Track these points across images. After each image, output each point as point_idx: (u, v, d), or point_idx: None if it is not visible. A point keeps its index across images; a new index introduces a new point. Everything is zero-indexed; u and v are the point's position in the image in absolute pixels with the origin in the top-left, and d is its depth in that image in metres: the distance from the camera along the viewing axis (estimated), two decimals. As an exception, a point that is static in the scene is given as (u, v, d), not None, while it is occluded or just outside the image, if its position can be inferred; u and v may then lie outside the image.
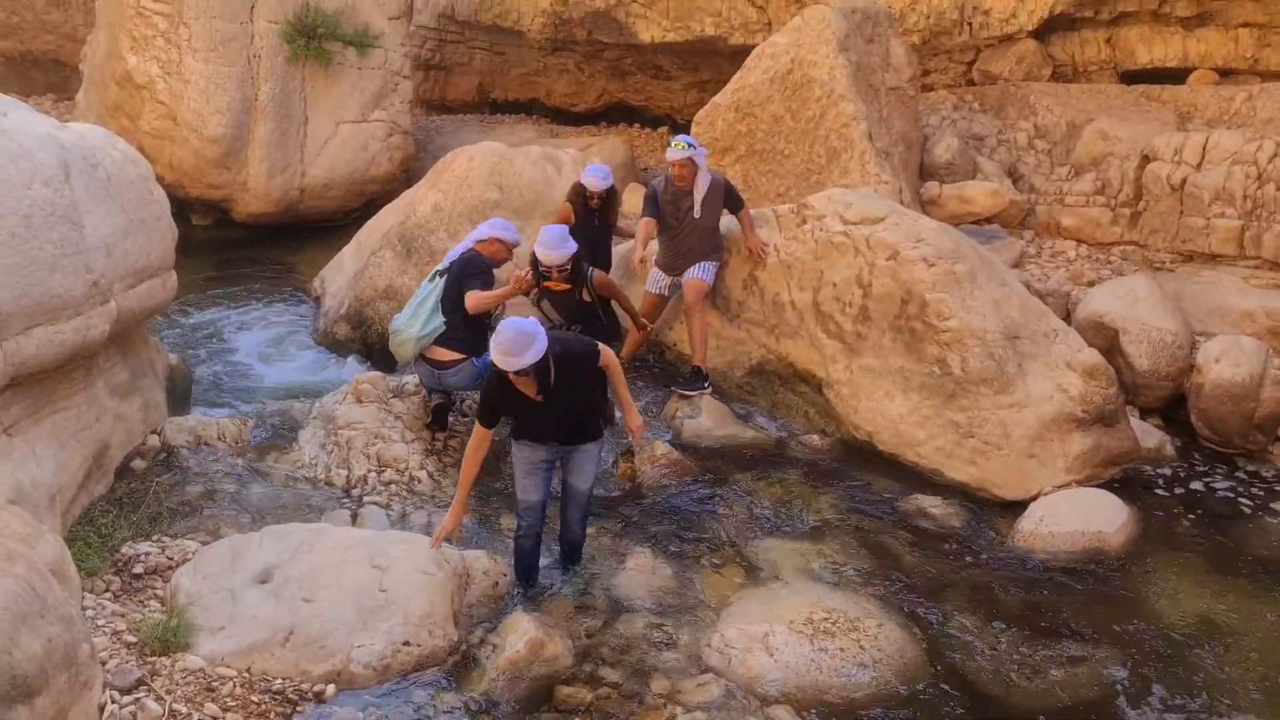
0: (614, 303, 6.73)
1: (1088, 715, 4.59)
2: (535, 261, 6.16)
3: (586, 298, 6.41)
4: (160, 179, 6.63)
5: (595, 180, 7.23)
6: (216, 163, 10.69)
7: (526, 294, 6.56)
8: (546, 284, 6.27)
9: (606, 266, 7.31)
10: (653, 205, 7.04)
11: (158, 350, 6.77)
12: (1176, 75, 10.31)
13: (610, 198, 7.35)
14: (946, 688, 4.70)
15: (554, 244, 6.06)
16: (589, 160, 9.60)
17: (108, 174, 5.70)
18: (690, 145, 6.88)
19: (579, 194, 7.27)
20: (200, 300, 9.48)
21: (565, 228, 6.23)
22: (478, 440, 4.90)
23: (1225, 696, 4.73)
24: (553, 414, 4.85)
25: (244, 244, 10.99)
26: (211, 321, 9.13)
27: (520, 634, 4.64)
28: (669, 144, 6.99)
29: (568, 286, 6.27)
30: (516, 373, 4.52)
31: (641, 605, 5.11)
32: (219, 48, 10.47)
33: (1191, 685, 4.79)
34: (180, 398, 6.88)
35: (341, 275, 9.10)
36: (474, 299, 6.13)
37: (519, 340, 4.46)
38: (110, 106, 10.88)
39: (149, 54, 10.47)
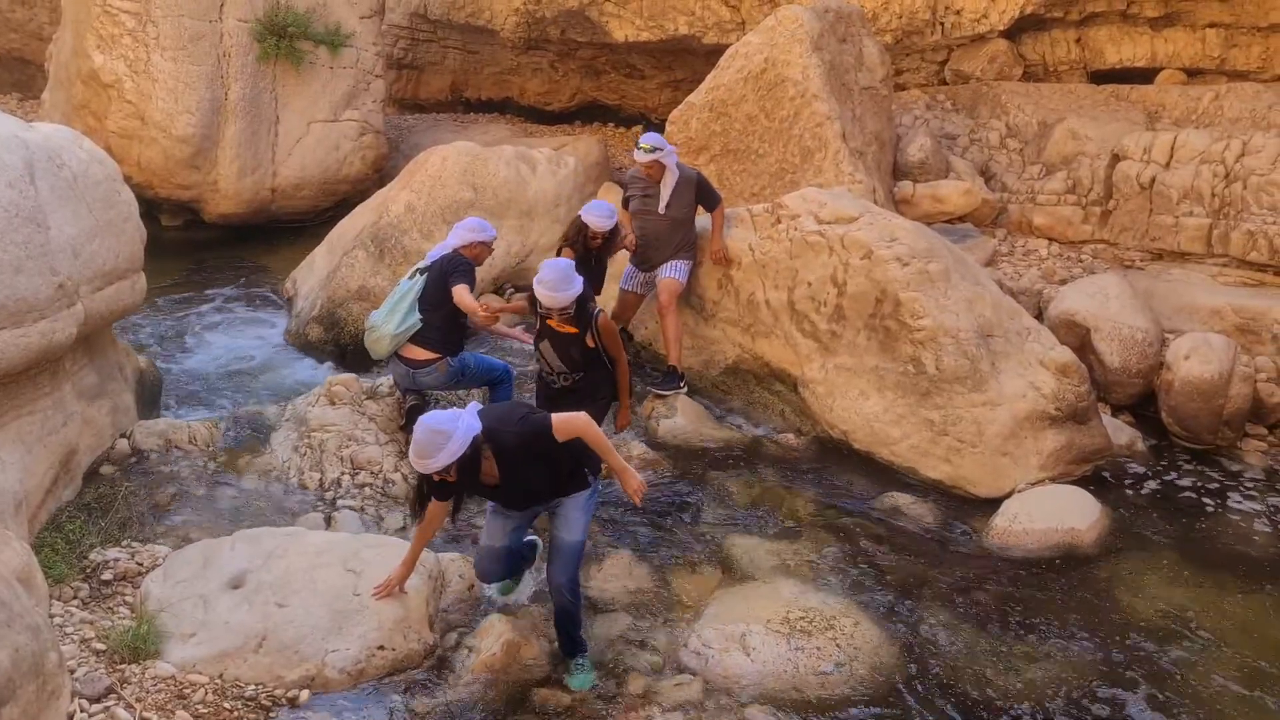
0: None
1: (1063, 710, 4.62)
2: (534, 299, 5.50)
3: (591, 343, 5.56)
4: (128, 179, 6.54)
5: (599, 219, 6.55)
6: (186, 163, 10.56)
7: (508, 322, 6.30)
8: (548, 322, 5.54)
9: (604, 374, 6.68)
10: (625, 196, 7.14)
11: (127, 353, 6.68)
12: (1145, 75, 10.42)
13: (612, 237, 6.70)
14: (922, 684, 4.72)
15: (557, 284, 5.28)
16: (563, 159, 9.59)
17: (74, 174, 5.61)
18: (656, 148, 6.89)
19: (579, 232, 6.60)
20: (170, 302, 9.37)
21: (570, 263, 5.49)
22: (432, 513, 4.46)
23: (1197, 690, 4.78)
24: (513, 493, 4.40)
25: (215, 245, 10.87)
26: (182, 324, 9.02)
27: (496, 636, 4.61)
28: (637, 144, 6.99)
29: (573, 330, 5.49)
30: (436, 474, 4.07)
31: (618, 606, 5.09)
32: (188, 46, 10.34)
33: (1164, 679, 4.84)
34: (150, 401, 6.79)
35: (313, 276, 9.01)
36: (461, 293, 5.98)
37: (430, 441, 3.98)
38: (76, 105, 10.73)
39: (116, 52, 10.33)
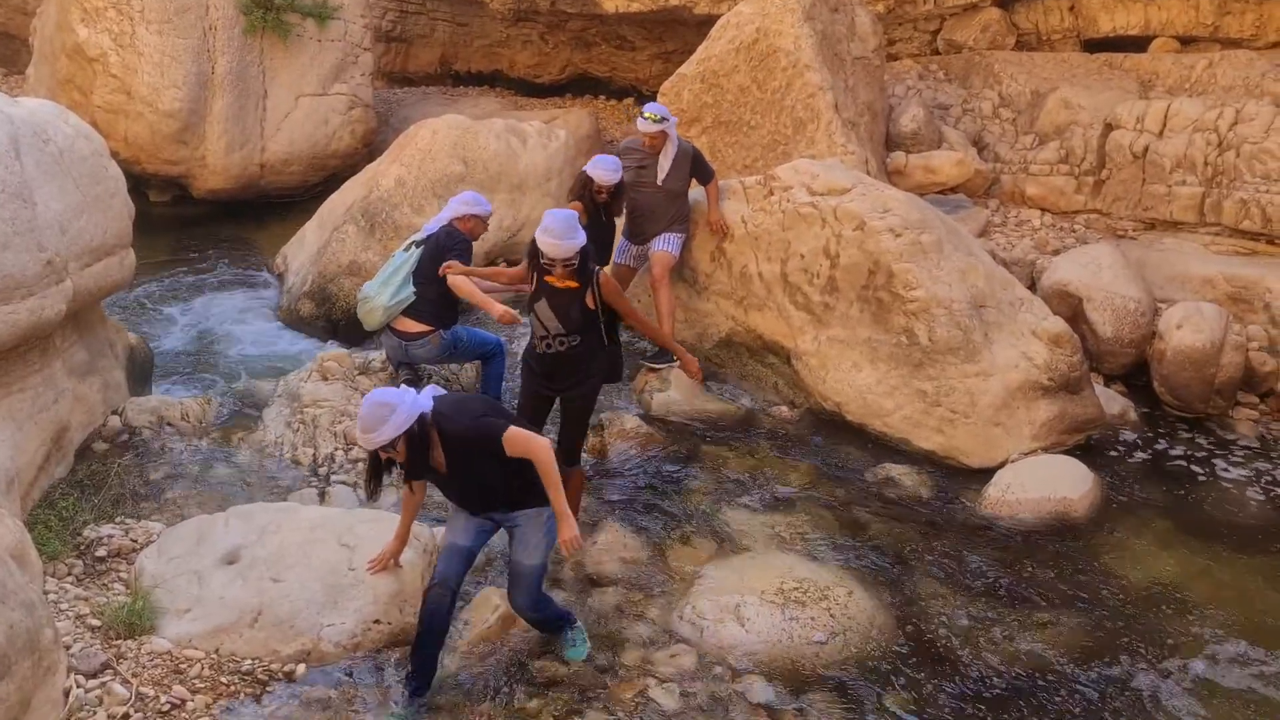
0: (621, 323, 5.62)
1: (1055, 677, 4.65)
2: (534, 252, 5.15)
3: (591, 303, 5.20)
4: (115, 155, 6.48)
5: (604, 173, 6.35)
6: (173, 138, 10.46)
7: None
8: (548, 278, 5.11)
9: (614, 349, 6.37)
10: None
11: (117, 330, 6.64)
12: (1138, 43, 10.36)
13: (619, 192, 6.54)
14: (917, 653, 4.75)
15: (563, 232, 4.96)
16: (554, 132, 9.53)
17: (60, 150, 5.56)
18: (663, 118, 6.83)
19: (585, 187, 6.43)
20: (160, 279, 9.31)
21: (574, 213, 5.21)
22: (411, 490, 4.41)
23: (1189, 657, 4.82)
24: (466, 488, 4.18)
25: (204, 221, 10.79)
26: (172, 300, 8.97)
27: (491, 609, 4.63)
28: (641, 114, 6.90)
29: (575, 284, 5.11)
30: (380, 449, 3.95)
31: (613, 578, 5.11)
32: (173, 19, 10.22)
33: (1157, 646, 4.88)
34: (141, 378, 6.76)
35: (304, 252, 8.97)
36: (457, 283, 5.94)
37: (374, 414, 3.87)
38: (61, 80, 10.61)
39: (100, 26, 10.21)
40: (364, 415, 3.90)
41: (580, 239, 5.02)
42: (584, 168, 6.52)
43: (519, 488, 4.16)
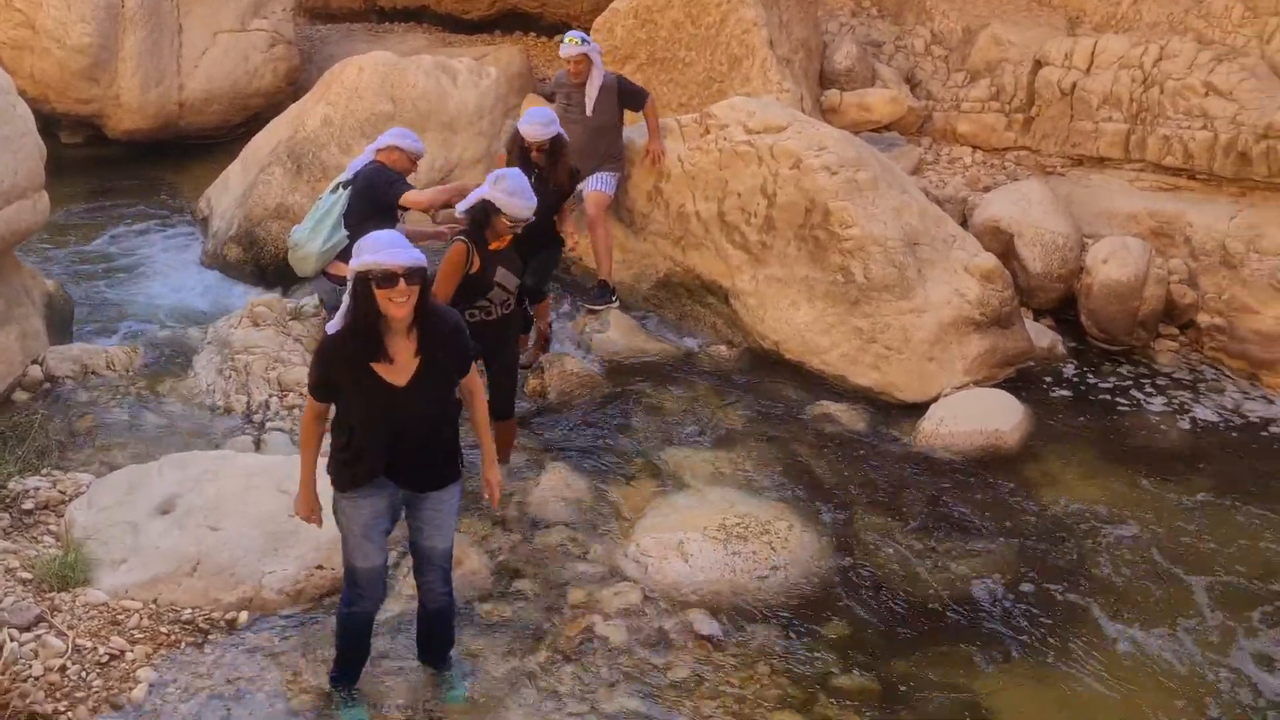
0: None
1: (990, 602, 4.81)
2: (478, 221, 4.79)
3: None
4: (21, 93, 6.17)
5: (532, 128, 5.76)
6: (83, 75, 9.99)
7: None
8: (492, 247, 4.81)
9: (555, 253, 6.21)
10: (553, 94, 6.92)
11: (33, 276, 6.40)
12: (1067, -20, 10.43)
13: (557, 149, 5.89)
14: (856, 584, 4.87)
15: (528, 190, 4.76)
16: (484, 69, 9.31)
17: (-37, 87, 5.28)
18: (584, 40, 6.70)
19: (517, 144, 5.90)
20: (76, 223, 8.96)
21: (525, 179, 4.86)
22: (311, 416, 3.60)
23: (1116, 578, 5.02)
24: (409, 418, 3.50)
25: (120, 163, 10.37)
26: (90, 246, 8.65)
27: (436, 553, 4.60)
28: (563, 40, 6.77)
29: (510, 238, 4.85)
30: (392, 280, 3.28)
31: (556, 519, 5.12)
32: (79, -50, 9.72)
33: (1084, 568, 5.07)
34: (61, 326, 6.53)
35: (228, 195, 8.69)
36: (411, 196, 5.63)
37: (396, 238, 3.40)
38: (-40, 15, 10.05)
39: (0, -43, 9.68)
40: (382, 238, 3.37)
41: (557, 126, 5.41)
42: (517, 123, 5.97)
43: (451, 434, 3.71)
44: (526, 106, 10.16)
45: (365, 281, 3.33)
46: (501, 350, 5.14)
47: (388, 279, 3.29)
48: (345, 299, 3.43)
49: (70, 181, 9.46)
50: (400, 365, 3.45)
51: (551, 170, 5.86)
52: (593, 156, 6.93)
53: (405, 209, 5.72)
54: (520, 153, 5.87)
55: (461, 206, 4.90)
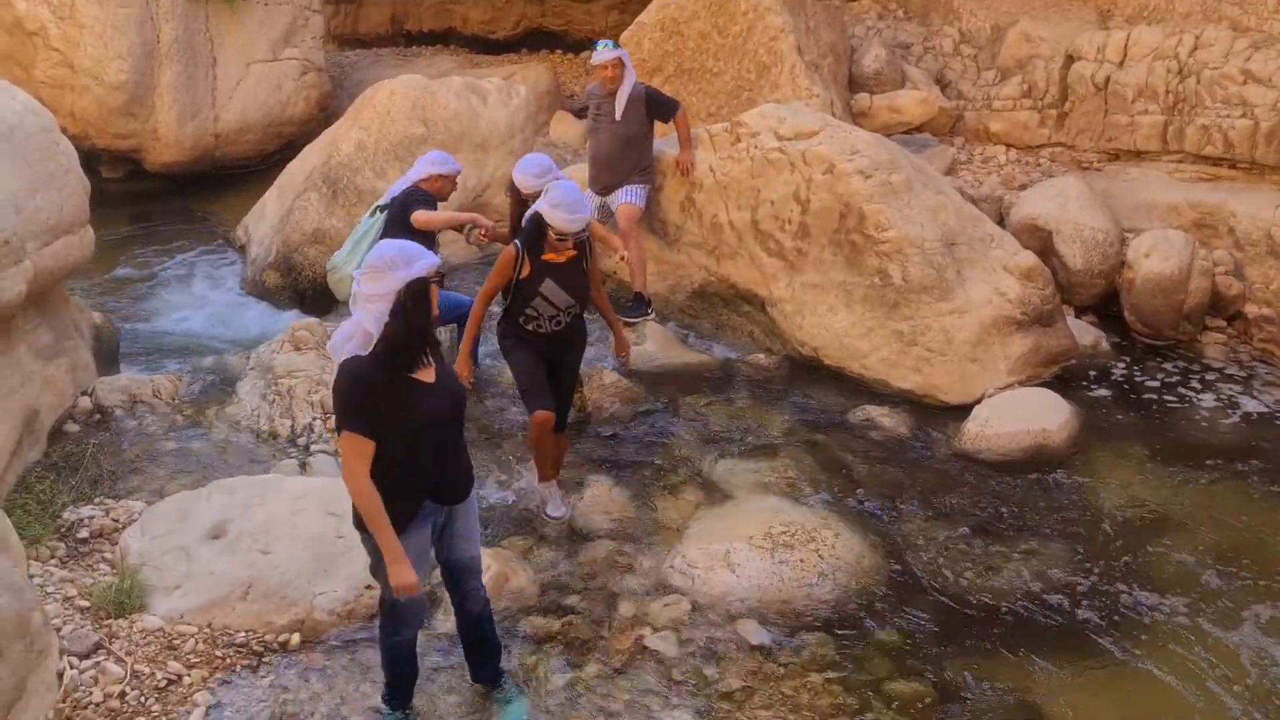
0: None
1: (1040, 605, 4.74)
2: (531, 232, 4.76)
3: (584, 266, 4.98)
4: (63, 131, 6.30)
5: (528, 179, 5.52)
6: (122, 111, 10.21)
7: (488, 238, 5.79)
8: (546, 257, 4.79)
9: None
10: (584, 107, 6.95)
11: (80, 309, 6.51)
12: (1095, -26, 10.33)
13: None
14: (904, 589, 4.81)
15: (573, 204, 4.65)
16: (514, 88, 9.38)
17: (8, 127, 5.41)
18: (616, 46, 6.76)
19: (515, 194, 5.68)
20: (120, 256, 9.13)
21: (575, 183, 4.84)
22: (363, 467, 3.33)
23: (1172, 577, 4.92)
24: (444, 411, 3.50)
25: (160, 195, 10.57)
26: (134, 277, 8.81)
27: (483, 569, 4.61)
28: (594, 50, 6.82)
29: (574, 252, 4.84)
30: (417, 285, 3.31)
31: (601, 533, 5.12)
32: (113, -12, 9.93)
33: (1135, 569, 4.97)
34: (109, 357, 6.64)
35: (265, 222, 8.82)
36: (421, 216, 5.82)
37: (410, 246, 3.44)
38: (1, 57, 10.30)
39: (38, -1, 9.91)
40: (398, 247, 3.40)
41: (590, 206, 4.84)
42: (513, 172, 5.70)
43: (466, 450, 3.72)
44: (556, 125, 10.26)
45: (423, 287, 3.34)
46: (558, 367, 5.09)
47: (438, 279, 3.42)
48: (368, 316, 3.32)
49: (112, 215, 9.65)
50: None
51: None
52: (622, 168, 6.95)
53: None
54: (519, 203, 5.66)
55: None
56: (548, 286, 4.86)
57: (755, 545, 4.88)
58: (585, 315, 5.21)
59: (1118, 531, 5.24)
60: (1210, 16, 8.32)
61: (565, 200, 4.67)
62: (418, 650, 3.85)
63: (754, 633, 4.46)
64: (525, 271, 4.84)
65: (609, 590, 4.73)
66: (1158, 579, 4.91)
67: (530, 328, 4.96)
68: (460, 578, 3.80)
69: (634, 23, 8.89)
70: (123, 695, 3.79)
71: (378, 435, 3.33)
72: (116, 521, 4.88)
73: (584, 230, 4.74)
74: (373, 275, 3.32)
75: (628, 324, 6.87)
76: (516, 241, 4.89)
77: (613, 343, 5.57)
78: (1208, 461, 5.87)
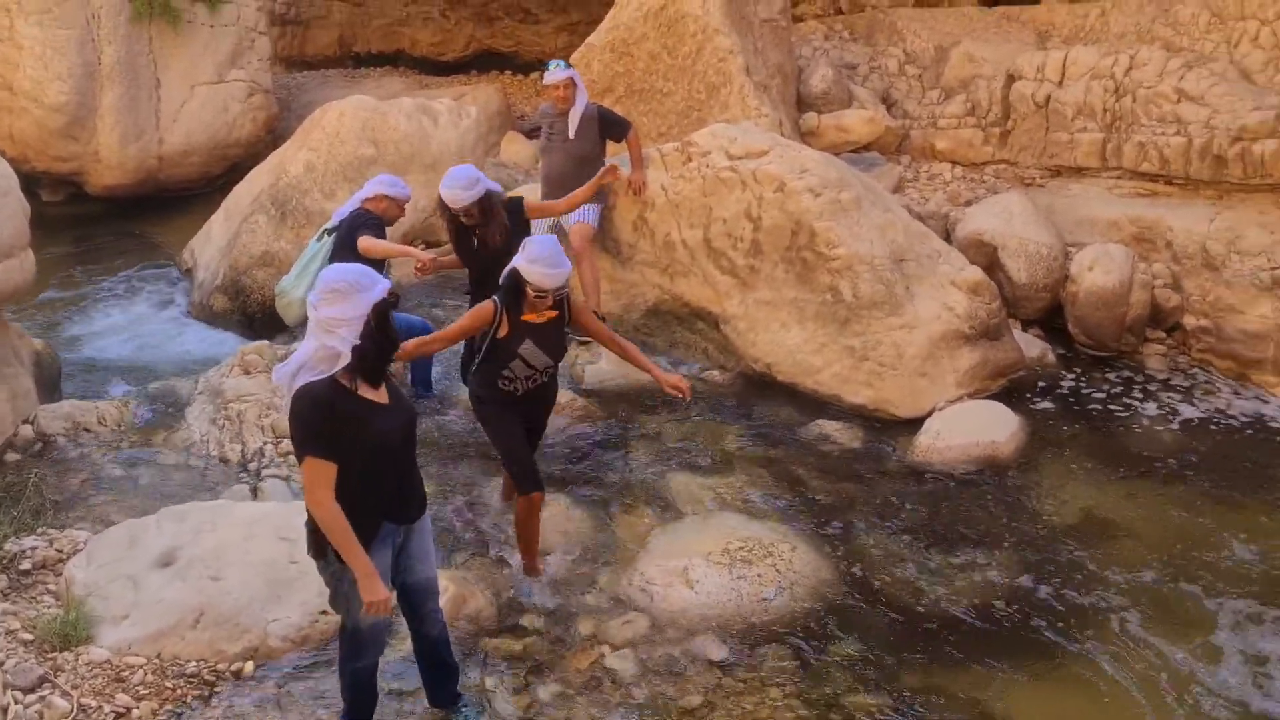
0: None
1: (993, 612, 4.80)
2: (510, 290, 4.46)
3: (566, 326, 4.72)
4: (1, 153, 6.19)
5: (456, 192, 5.26)
6: (62, 133, 10.04)
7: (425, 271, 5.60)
8: (526, 317, 4.50)
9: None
10: (536, 127, 6.93)
11: (20, 335, 6.37)
12: (1033, -5, 10.60)
13: (488, 209, 5.38)
14: (861, 601, 4.85)
15: (552, 259, 4.33)
16: (464, 109, 9.38)
17: (-54, 148, 5.28)
18: (568, 66, 6.76)
19: (445, 211, 5.43)
20: (61, 281, 8.95)
21: (554, 237, 4.58)
22: (328, 492, 3.31)
23: (1120, 583, 5.02)
24: (397, 431, 3.50)
25: (102, 219, 10.39)
26: (76, 303, 8.63)
27: (440, 591, 4.57)
28: (545, 70, 6.82)
29: (554, 313, 4.56)
30: (382, 306, 3.36)
31: (559, 552, 5.09)
32: (53, 9, 9.77)
33: (1084, 576, 5.06)
34: (50, 385, 6.50)
35: (212, 245, 8.70)
36: (366, 242, 5.77)
37: (364, 270, 3.45)
38: (-63, 79, 10.08)
39: (-25, 20, 9.72)
40: (344, 272, 3.39)
41: (569, 263, 4.46)
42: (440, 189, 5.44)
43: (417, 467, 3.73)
44: (507, 146, 10.26)
45: (387, 309, 3.41)
46: (545, 412, 5.01)
47: (394, 304, 3.47)
48: (336, 339, 3.32)
49: (53, 239, 9.46)
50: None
51: (486, 232, 5.44)
52: (575, 187, 6.95)
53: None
54: (451, 221, 5.45)
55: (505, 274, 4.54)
56: (527, 349, 4.55)
57: (713, 561, 4.89)
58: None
59: (1066, 538, 5.34)
60: (1144, 37, 8.58)
61: (543, 254, 4.34)
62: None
63: (713, 648, 4.46)
64: (503, 331, 4.52)
65: (567, 610, 4.71)
66: (1106, 584, 5.00)
67: (506, 389, 4.67)
68: (417, 600, 3.77)
69: (583, 44, 8.93)
70: (69, 730, 3.69)
71: (338, 457, 3.33)
72: (60, 552, 4.76)
73: (564, 286, 4.42)
74: (334, 298, 3.33)
75: (582, 343, 6.89)
76: (495, 299, 4.52)
77: (664, 387, 4.82)
78: (1151, 468, 6.00)
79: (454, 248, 5.71)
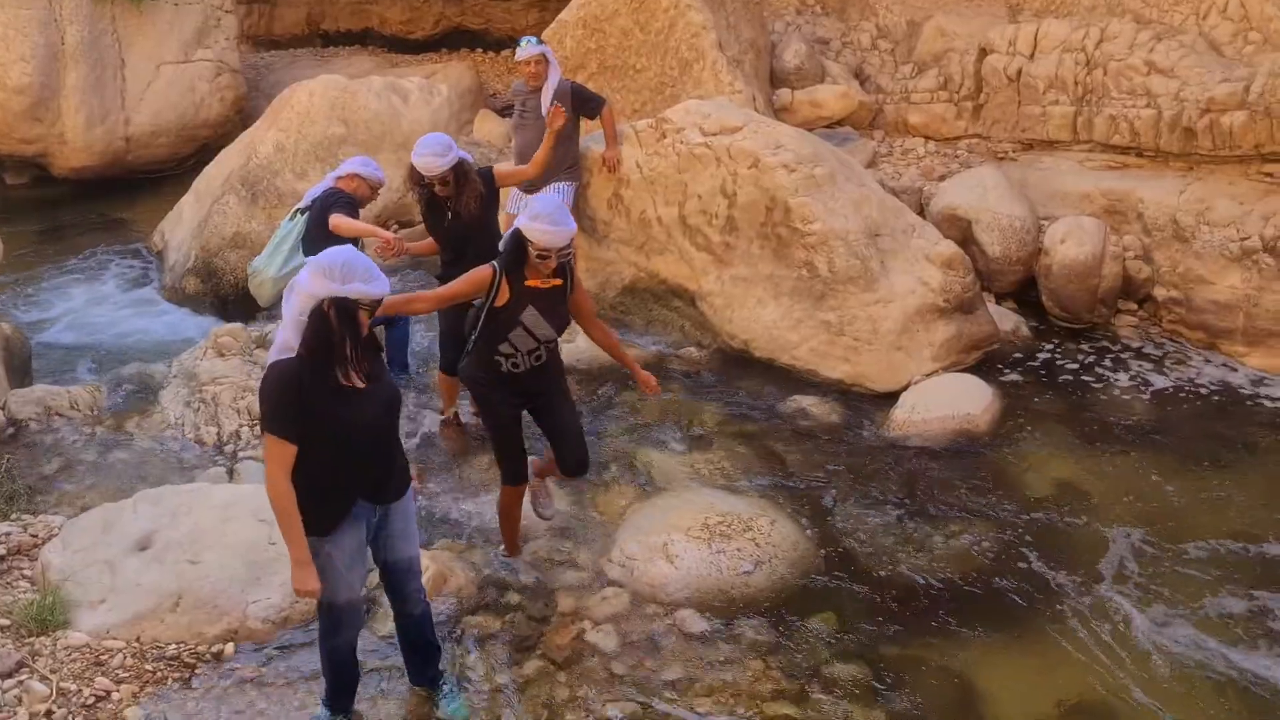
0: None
1: (970, 581, 4.86)
2: (511, 252, 4.20)
3: (569, 295, 4.43)
4: (-36, 136, 6.09)
5: (429, 160, 5.08)
6: (26, 115, 9.86)
7: (395, 255, 5.37)
8: (530, 283, 4.23)
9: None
10: (509, 105, 6.85)
11: (-11, 320, 6.28)
12: (1004, -30, 10.59)
13: (463, 178, 5.21)
14: (840, 572, 4.90)
15: (556, 216, 4.12)
16: (435, 88, 9.29)
17: (-93, 130, 5.18)
18: (540, 43, 6.70)
19: (417, 181, 5.24)
20: (29, 265, 8.81)
21: (558, 198, 4.55)
22: (283, 472, 3.30)
23: (1093, 550, 5.09)
24: (375, 414, 3.45)
25: (69, 201, 10.22)
26: (45, 286, 8.51)
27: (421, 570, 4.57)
28: (518, 47, 6.75)
29: (558, 281, 4.31)
30: (374, 307, 3.32)
31: (539, 529, 5.10)
32: (14, -11, 9.59)
33: (1060, 543, 5.13)
34: (20, 369, 6.43)
35: (183, 227, 8.60)
36: (337, 219, 5.66)
37: (368, 263, 3.37)
38: (-105, 61, 9.87)
39: (-66, -1, 9.53)
40: (338, 256, 3.31)
41: (573, 223, 4.20)
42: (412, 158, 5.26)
43: (401, 449, 3.68)
44: (480, 124, 10.18)
45: (353, 308, 3.30)
46: (547, 407, 4.57)
47: (371, 307, 3.35)
48: (295, 319, 3.29)
49: (19, 223, 9.33)
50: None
51: (460, 201, 5.22)
52: (550, 164, 6.91)
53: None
54: (422, 191, 5.26)
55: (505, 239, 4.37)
56: (530, 316, 4.25)
57: (692, 536, 4.91)
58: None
59: (1041, 508, 5.40)
60: (1114, 10, 8.60)
61: (545, 211, 4.11)
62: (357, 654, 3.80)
63: (693, 622, 4.49)
64: (503, 298, 4.22)
65: (548, 586, 4.72)
66: (1080, 552, 5.07)
67: (505, 368, 4.38)
68: (399, 579, 3.75)
69: (555, 21, 8.87)
70: (49, 714, 3.67)
71: (303, 438, 3.31)
72: (35, 537, 4.72)
73: (569, 249, 4.18)
74: (319, 276, 3.28)
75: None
76: (495, 264, 4.23)
77: (638, 382, 4.69)
78: (1124, 438, 6.08)
79: (426, 224, 5.60)
